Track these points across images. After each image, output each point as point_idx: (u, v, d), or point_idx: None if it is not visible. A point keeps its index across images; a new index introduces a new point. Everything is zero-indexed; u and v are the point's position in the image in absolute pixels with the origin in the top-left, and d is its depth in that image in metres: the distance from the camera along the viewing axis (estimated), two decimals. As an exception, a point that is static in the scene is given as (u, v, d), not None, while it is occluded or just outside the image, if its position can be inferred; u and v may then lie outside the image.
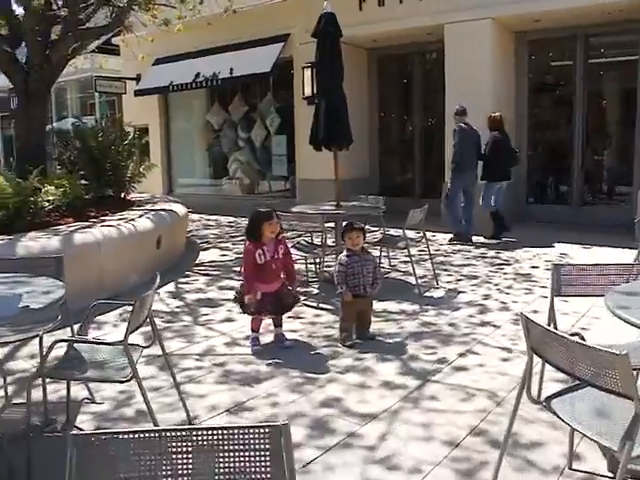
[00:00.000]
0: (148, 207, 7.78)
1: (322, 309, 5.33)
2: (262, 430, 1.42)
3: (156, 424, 2.79)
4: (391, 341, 4.50)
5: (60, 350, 3.11)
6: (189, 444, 1.41)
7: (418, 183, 11.48)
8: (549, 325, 3.16)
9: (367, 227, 7.45)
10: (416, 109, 11.51)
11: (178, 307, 5.56)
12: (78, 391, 3.54)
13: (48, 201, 6.14)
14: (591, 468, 2.71)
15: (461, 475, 2.70)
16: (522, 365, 3.40)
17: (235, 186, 14.08)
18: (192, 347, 4.47)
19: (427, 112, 11.37)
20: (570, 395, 2.39)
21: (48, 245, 5.10)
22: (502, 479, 2.57)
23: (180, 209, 8.09)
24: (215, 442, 1.42)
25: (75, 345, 3.09)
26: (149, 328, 4.87)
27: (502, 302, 5.48)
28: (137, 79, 13.94)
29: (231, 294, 5.23)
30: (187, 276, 6.79)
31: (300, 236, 6.47)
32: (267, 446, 1.42)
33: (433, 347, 4.35)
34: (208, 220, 11.73)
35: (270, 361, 4.10)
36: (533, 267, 6.77)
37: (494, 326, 4.82)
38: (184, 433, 1.42)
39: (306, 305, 5.50)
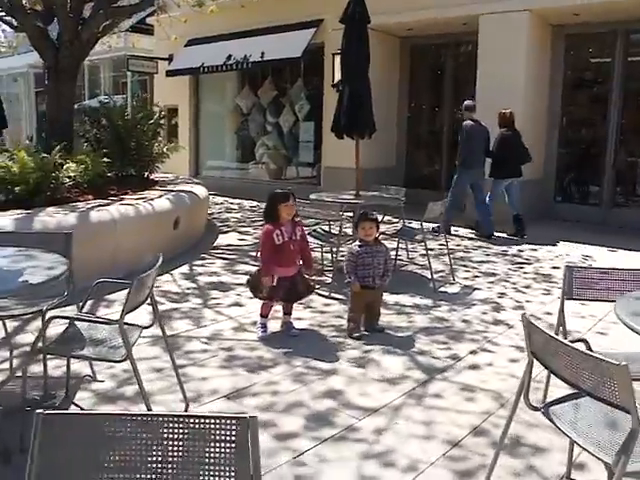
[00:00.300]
0: (169, 188, 7.80)
1: (333, 299, 5.28)
2: (229, 422, 1.38)
3: (149, 407, 2.78)
4: (400, 335, 4.43)
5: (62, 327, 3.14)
6: (153, 431, 1.37)
7: (444, 176, 11.28)
8: (558, 329, 3.06)
9: (388, 218, 7.42)
10: (447, 100, 11.29)
11: (189, 289, 5.56)
12: (81, 368, 3.57)
13: (69, 177, 6.18)
14: (591, 479, 2.62)
15: (457, 475, 2.63)
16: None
17: (261, 171, 14.06)
18: (199, 330, 4.46)
19: (458, 104, 11.15)
20: (572, 402, 2.30)
21: (64, 221, 5.14)
22: (497, 484, 2.50)
23: (201, 191, 8.09)
24: (180, 430, 1.38)
25: (77, 323, 3.10)
26: (161, 309, 4.92)
27: (517, 301, 5.36)
28: (169, 59, 13.96)
29: (244, 279, 5.21)
30: (203, 258, 6.80)
31: (317, 224, 6.40)
32: (233, 438, 1.38)
33: (443, 343, 4.27)
34: (232, 203, 11.75)
35: (275, 349, 4.07)
36: (554, 268, 6.59)
37: (507, 325, 4.71)
38: (148, 419, 1.38)
39: (318, 294, 5.44)
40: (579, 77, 10.13)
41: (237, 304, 5.14)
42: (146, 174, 8.63)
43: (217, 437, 1.38)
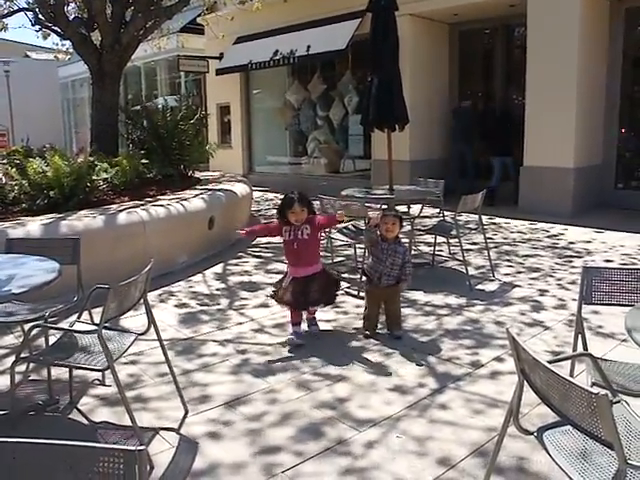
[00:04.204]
0: (210, 187, 7.81)
1: (363, 298, 5.08)
2: (116, 454, 1.27)
3: (132, 419, 2.70)
4: (425, 339, 4.20)
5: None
6: (34, 459, 1.28)
7: (498, 165, 10.78)
8: (576, 338, 2.76)
9: (432, 212, 7.13)
10: (498, 87, 10.80)
11: (219, 289, 5.51)
12: (91, 372, 3.55)
13: (104, 180, 6.27)
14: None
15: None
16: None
17: (313, 165, 13.96)
18: (218, 333, 4.39)
19: (511, 90, 10.64)
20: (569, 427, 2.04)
21: (92, 224, 5.19)
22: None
23: (242, 189, 8.05)
24: (66, 460, 1.29)
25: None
26: (188, 310, 4.91)
27: (560, 299, 4.98)
28: (220, 58, 14.06)
29: (276, 278, 5.08)
30: (239, 257, 6.75)
31: (351, 220, 6.21)
32: (121, 472, 1.26)
33: (469, 347, 4.01)
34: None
35: (289, 353, 3.94)
36: (607, 261, 6.13)
37: (544, 327, 4.37)
38: (35, 447, 1.29)
39: (347, 293, 5.30)
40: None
41: (263, 305, 5.03)
42: (189, 173, 8.69)
43: (105, 470, 1.27)
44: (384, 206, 5.51)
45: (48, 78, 25.70)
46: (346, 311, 4.86)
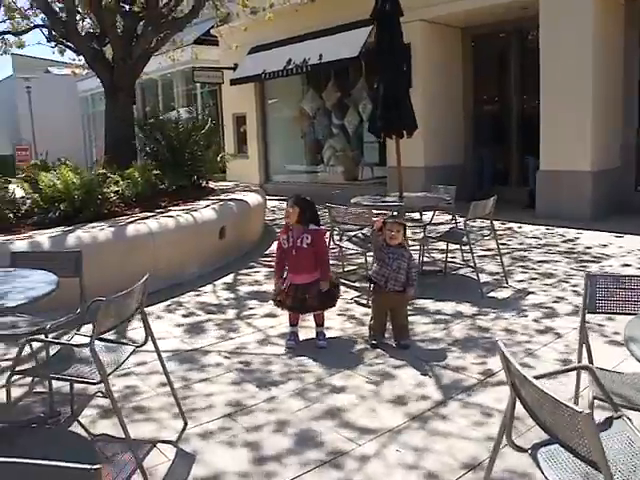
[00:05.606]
0: (222, 197, 7.82)
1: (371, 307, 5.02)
2: (72, 472, 1.24)
3: (126, 433, 2.67)
4: (433, 347, 4.12)
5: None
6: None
7: (514, 170, 10.66)
8: (580, 348, 2.67)
9: (446, 218, 7.05)
10: (514, 92, 10.67)
11: (227, 299, 5.49)
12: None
13: (115, 192, 6.31)
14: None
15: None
16: (570, 386, 2.93)
17: (330, 174, 13.93)
18: (223, 343, 4.36)
19: (525, 95, 10.50)
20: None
21: (99, 236, 5.22)
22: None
23: (254, 199, 8.04)
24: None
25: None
26: (194, 320, 4.90)
27: (575, 306, 4.84)
28: (234, 68, 14.15)
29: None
30: (250, 267, 6.73)
31: (361, 228, 6.15)
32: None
33: (477, 357, 3.91)
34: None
35: (293, 363, 3.90)
36: (624, 265, 5.97)
37: (556, 334, 4.26)
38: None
39: (357, 302, 5.24)
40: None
41: (271, 315, 4.99)
42: (203, 184, 8.72)
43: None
44: (394, 213, 5.44)
45: (68, 93, 26.18)
46: (354, 320, 4.81)
